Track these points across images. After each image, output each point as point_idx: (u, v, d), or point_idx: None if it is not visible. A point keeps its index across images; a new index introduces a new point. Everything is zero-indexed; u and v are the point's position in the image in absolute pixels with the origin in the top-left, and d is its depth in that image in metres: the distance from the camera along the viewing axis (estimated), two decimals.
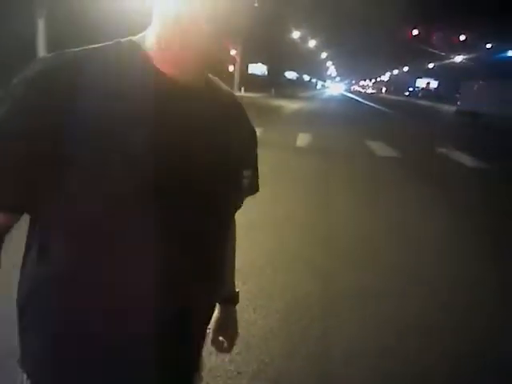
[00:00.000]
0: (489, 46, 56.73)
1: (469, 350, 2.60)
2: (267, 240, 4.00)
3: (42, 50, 15.64)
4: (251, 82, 36.31)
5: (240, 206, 0.91)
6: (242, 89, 33.65)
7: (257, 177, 0.95)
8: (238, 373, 2.17)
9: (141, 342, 0.75)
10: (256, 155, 0.93)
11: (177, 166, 0.72)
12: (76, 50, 0.72)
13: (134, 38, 0.76)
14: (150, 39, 0.74)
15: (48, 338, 0.75)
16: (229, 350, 1.07)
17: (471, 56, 60.06)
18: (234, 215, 0.95)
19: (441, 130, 18.97)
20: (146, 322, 0.74)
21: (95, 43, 0.75)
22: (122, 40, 0.75)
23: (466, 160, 10.10)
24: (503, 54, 54.13)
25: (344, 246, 4.12)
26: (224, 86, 0.88)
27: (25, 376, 0.78)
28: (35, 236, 0.74)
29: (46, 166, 0.66)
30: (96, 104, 0.67)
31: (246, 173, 0.86)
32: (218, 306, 1.04)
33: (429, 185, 7.16)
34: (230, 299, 1.08)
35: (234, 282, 1.10)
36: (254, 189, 0.94)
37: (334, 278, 3.40)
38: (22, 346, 0.79)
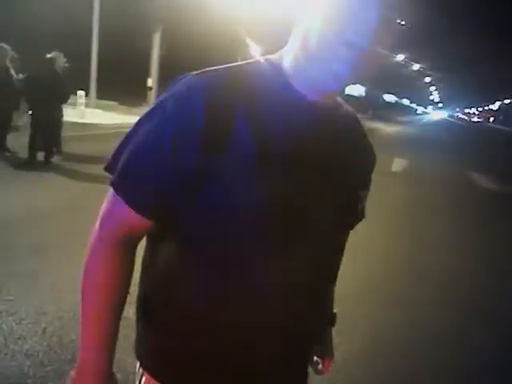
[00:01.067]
0: None
1: None
2: (355, 265, 3.92)
3: (155, 64, 16.97)
4: (347, 103, 35.89)
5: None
6: None
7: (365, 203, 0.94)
8: None
9: (267, 363, 0.78)
10: (371, 180, 0.93)
11: (318, 198, 0.76)
12: (221, 68, 0.74)
13: (273, 58, 0.77)
14: (287, 59, 0.75)
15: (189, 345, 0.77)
16: (324, 371, 1.03)
17: None
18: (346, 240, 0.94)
19: None
20: (274, 347, 0.77)
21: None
22: (262, 60, 0.77)
23: None
24: None
25: (431, 279, 3.92)
26: (347, 106, 0.88)
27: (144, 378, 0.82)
28: (168, 241, 0.77)
29: (188, 181, 0.69)
30: (251, 127, 0.69)
31: (363, 193, 0.86)
32: None
33: None
34: (330, 320, 1.05)
35: (333, 303, 1.09)
36: (363, 215, 0.93)
37: (419, 311, 3.24)
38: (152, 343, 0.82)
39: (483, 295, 3.77)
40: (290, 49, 0.75)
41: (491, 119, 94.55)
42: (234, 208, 0.69)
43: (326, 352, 1.03)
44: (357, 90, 47.08)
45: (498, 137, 36.89)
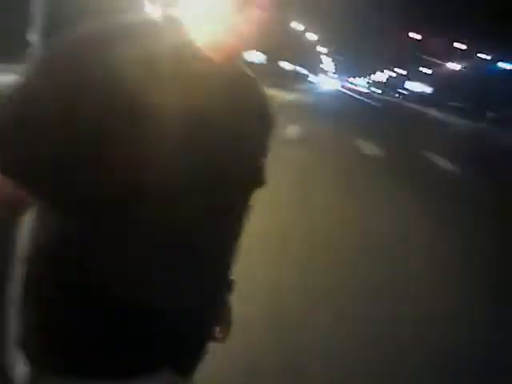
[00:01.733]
0: (482, 56, 57.15)
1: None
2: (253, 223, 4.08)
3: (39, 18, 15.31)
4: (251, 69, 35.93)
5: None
6: None
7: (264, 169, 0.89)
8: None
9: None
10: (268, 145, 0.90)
11: (209, 156, 0.72)
12: (111, 23, 0.70)
13: (172, 13, 0.73)
14: (188, 14, 0.72)
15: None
16: (223, 339, 1.01)
17: (465, 64, 60.50)
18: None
19: (426, 134, 19.23)
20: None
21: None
22: (159, 14, 0.73)
23: (444, 163, 10.34)
24: (495, 65, 54.64)
25: (321, 240, 4.20)
26: (248, 71, 0.85)
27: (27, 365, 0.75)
28: (47, 220, 0.73)
29: (76, 146, 0.64)
30: (142, 89, 0.65)
31: (261, 158, 0.86)
32: None
33: (408, 186, 7.36)
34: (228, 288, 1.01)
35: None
36: (262, 180, 0.89)
37: (311, 273, 3.44)
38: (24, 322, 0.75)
39: (353, 256, 4.11)
40: (189, 3, 0.73)
41: (377, 90, 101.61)
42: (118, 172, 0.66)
43: (225, 320, 1.00)
44: (258, 58, 47.27)
45: (383, 107, 39.85)
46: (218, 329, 0.96)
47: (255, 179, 0.84)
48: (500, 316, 3.33)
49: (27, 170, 0.66)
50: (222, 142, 0.74)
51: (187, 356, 0.82)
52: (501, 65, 52.97)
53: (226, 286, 0.94)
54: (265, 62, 45.31)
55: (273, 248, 3.72)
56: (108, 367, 0.74)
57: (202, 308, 0.80)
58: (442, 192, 7.45)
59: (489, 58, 55.53)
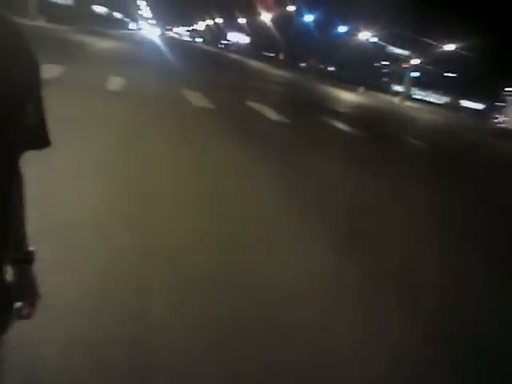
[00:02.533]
0: (291, 8, 61.29)
1: None
2: (75, 195, 3.64)
3: None
4: (53, 12, 31.84)
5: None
6: (44, 18, 29.29)
7: (45, 127, 0.84)
8: (44, 340, 1.96)
9: None
10: (40, 96, 0.81)
11: None
12: None
13: None
14: None
15: None
16: (31, 315, 0.95)
17: (277, 15, 64.13)
18: (18, 160, 0.81)
19: (250, 84, 20.06)
20: None
21: None
22: None
23: (271, 114, 10.99)
24: (303, 19, 59.38)
25: (153, 196, 4.07)
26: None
27: None
28: None
29: None
30: None
31: (29, 108, 0.76)
32: (10, 270, 0.91)
33: (239, 135, 7.58)
34: (23, 259, 0.95)
35: (25, 240, 0.96)
36: (44, 139, 0.85)
37: (147, 232, 3.33)
38: None
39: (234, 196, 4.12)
40: None
41: (198, 39, 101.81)
42: None
43: (27, 292, 0.95)
44: None
45: (206, 56, 40.04)
46: (22, 304, 0.92)
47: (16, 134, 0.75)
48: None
49: None
50: None
51: None
52: (307, 18, 57.62)
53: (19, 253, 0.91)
54: (71, 4, 40.67)
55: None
56: None
57: None
58: (273, 140, 7.89)
59: (293, 9, 59.68)
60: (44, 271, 1.01)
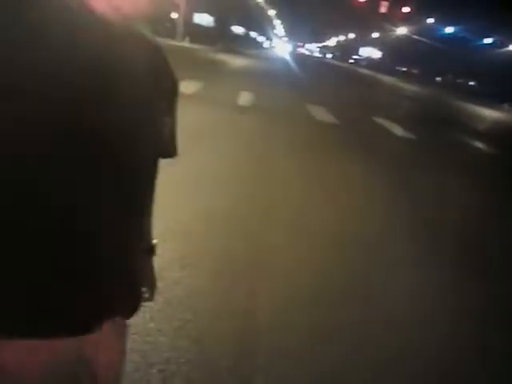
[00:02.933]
0: (430, 21, 58.28)
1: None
2: (199, 199, 3.93)
3: None
4: (196, 33, 34.89)
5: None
6: (187, 39, 32.29)
7: (175, 137, 0.92)
8: (158, 330, 2.14)
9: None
10: (176, 108, 0.90)
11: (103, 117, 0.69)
12: None
13: None
14: None
15: None
16: (151, 298, 1.06)
17: (414, 29, 61.51)
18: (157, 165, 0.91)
19: (379, 99, 19.52)
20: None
21: None
22: None
23: (397, 130, 10.53)
24: (443, 31, 55.97)
25: (278, 212, 4.14)
26: (146, 33, 0.82)
27: None
28: None
29: None
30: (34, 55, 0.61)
31: (167, 120, 0.84)
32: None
33: (363, 151, 7.40)
34: (148, 249, 1.05)
35: (151, 233, 1.07)
36: (173, 149, 0.92)
37: (264, 243, 3.41)
38: None
39: (327, 223, 4.12)
40: None
41: (328, 55, 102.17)
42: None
43: (150, 280, 1.06)
44: (206, 20, 45.85)
45: (336, 72, 40.07)
46: (145, 289, 1.01)
47: (157, 144, 0.83)
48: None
49: None
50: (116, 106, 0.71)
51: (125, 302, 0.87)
52: (447, 30, 54.23)
53: (145, 244, 0.99)
54: (212, 25, 44.07)
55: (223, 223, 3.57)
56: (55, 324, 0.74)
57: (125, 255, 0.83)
58: (398, 157, 7.55)
59: (433, 21, 56.62)
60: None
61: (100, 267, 0.78)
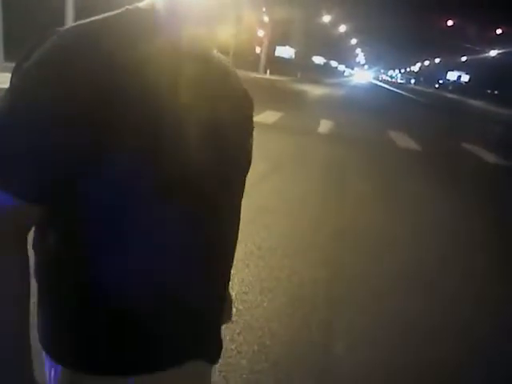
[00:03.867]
0: None
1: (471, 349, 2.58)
2: (279, 224, 3.99)
3: (70, 21, 15.69)
4: (277, 65, 35.91)
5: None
6: (268, 71, 33.33)
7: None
8: (238, 352, 2.19)
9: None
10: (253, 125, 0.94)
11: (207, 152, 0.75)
12: (87, 22, 0.68)
13: (142, 5, 0.73)
14: (159, 5, 0.72)
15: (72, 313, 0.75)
16: (229, 320, 1.06)
17: (506, 50, 58.02)
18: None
19: (465, 125, 18.51)
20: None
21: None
22: (130, 7, 0.72)
23: (489, 157, 9.88)
24: None
25: (356, 237, 4.09)
26: (219, 55, 0.85)
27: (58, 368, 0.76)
28: (54, 223, 0.72)
29: (71, 156, 0.63)
30: (139, 92, 0.65)
31: (250, 140, 0.89)
32: None
33: (447, 179, 7.04)
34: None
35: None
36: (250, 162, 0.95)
37: (343, 268, 3.39)
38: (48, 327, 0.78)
39: (403, 251, 4.00)
40: None
41: (412, 81, 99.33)
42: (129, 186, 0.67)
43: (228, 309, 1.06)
44: (287, 52, 47.14)
45: (417, 98, 38.82)
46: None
47: (248, 165, 0.88)
48: None
49: (40, 189, 0.65)
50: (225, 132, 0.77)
51: (211, 344, 0.87)
52: None
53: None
54: (293, 57, 45.08)
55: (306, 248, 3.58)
56: (134, 362, 0.76)
57: (216, 296, 0.85)
58: (480, 184, 7.08)
59: None
60: None
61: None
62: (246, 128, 0.86)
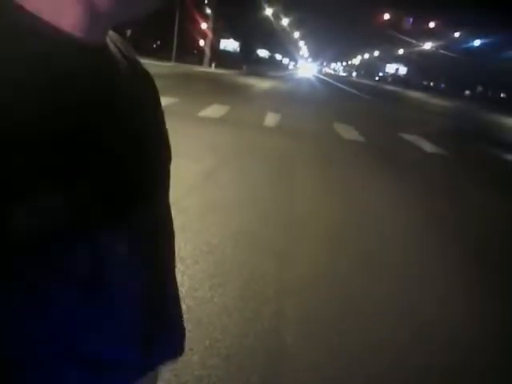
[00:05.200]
0: (457, 34, 57.73)
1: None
2: (228, 219, 3.99)
3: None
4: (222, 59, 35.73)
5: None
6: (213, 65, 33.09)
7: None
8: (190, 349, 2.18)
9: None
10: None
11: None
12: None
13: None
14: None
15: None
16: None
17: (439, 44, 61.06)
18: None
19: (405, 116, 19.33)
20: None
21: None
22: None
23: (426, 146, 10.39)
24: (471, 44, 55.26)
25: (305, 228, 4.17)
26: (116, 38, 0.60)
27: None
28: None
29: None
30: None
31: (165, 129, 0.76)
32: None
33: (390, 168, 7.34)
34: None
35: None
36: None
37: (292, 259, 3.45)
38: None
39: (351, 239, 4.12)
40: None
41: (354, 73, 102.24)
42: None
43: None
44: (232, 45, 46.97)
45: (361, 90, 40.01)
46: None
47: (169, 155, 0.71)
48: None
49: None
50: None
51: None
52: (475, 42, 53.57)
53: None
54: (238, 50, 45.06)
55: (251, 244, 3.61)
56: None
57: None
58: (419, 171, 7.44)
59: (458, 35, 56.05)
60: None
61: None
62: (160, 118, 0.71)
